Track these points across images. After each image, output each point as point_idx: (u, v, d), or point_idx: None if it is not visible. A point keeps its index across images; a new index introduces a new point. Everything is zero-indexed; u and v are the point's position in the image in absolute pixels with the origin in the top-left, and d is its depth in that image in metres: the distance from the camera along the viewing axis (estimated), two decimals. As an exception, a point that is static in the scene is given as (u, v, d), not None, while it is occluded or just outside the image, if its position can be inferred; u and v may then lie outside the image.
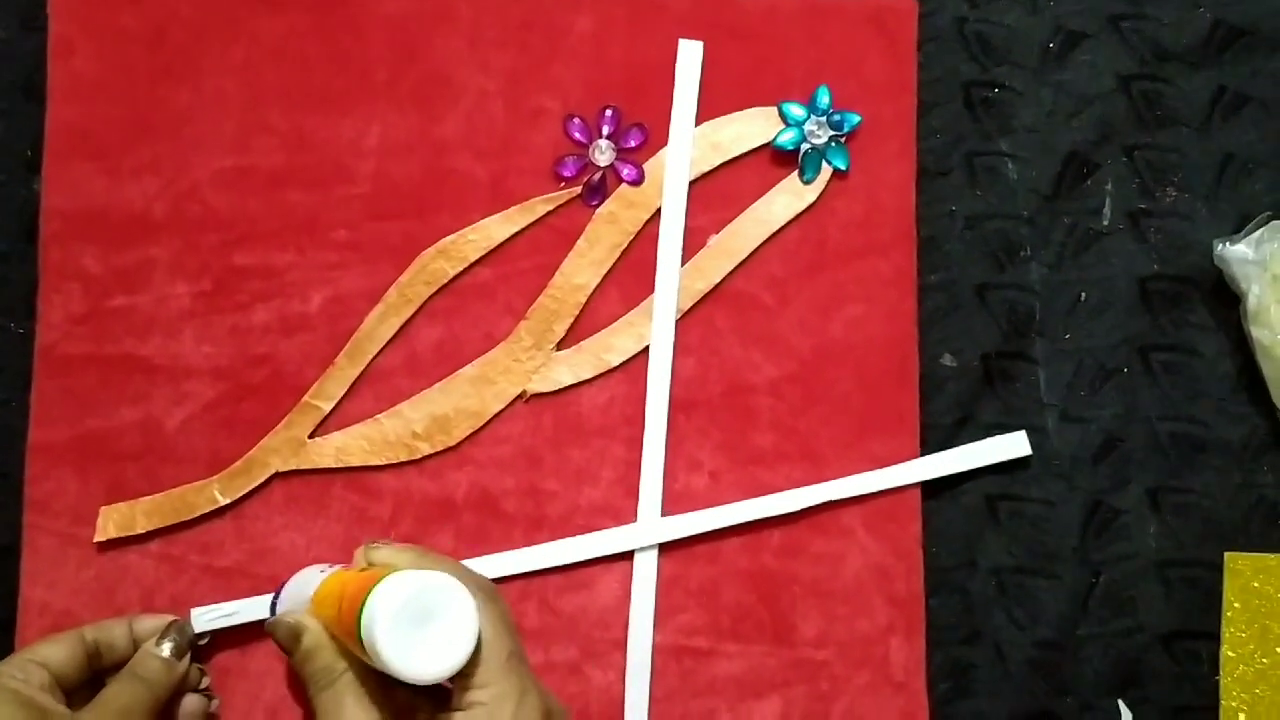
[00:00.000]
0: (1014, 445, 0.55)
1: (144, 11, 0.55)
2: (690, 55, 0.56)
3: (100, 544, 0.53)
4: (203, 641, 0.51)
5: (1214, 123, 0.57)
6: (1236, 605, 0.55)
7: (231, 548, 0.53)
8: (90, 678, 0.48)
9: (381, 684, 0.43)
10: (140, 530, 0.53)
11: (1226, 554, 0.55)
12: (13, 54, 0.55)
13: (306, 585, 0.47)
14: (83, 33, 0.55)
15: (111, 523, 0.53)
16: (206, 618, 0.50)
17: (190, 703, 0.49)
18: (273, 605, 0.50)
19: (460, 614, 0.41)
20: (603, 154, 0.55)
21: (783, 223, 0.56)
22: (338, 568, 0.48)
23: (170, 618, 0.50)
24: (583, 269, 0.55)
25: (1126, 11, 0.58)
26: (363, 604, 0.40)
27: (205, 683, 0.50)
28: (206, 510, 0.53)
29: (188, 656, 0.49)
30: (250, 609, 0.51)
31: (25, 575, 0.52)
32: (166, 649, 0.48)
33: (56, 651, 0.47)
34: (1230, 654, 0.54)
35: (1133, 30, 0.57)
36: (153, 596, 0.53)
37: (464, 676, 0.41)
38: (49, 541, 0.53)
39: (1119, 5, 0.58)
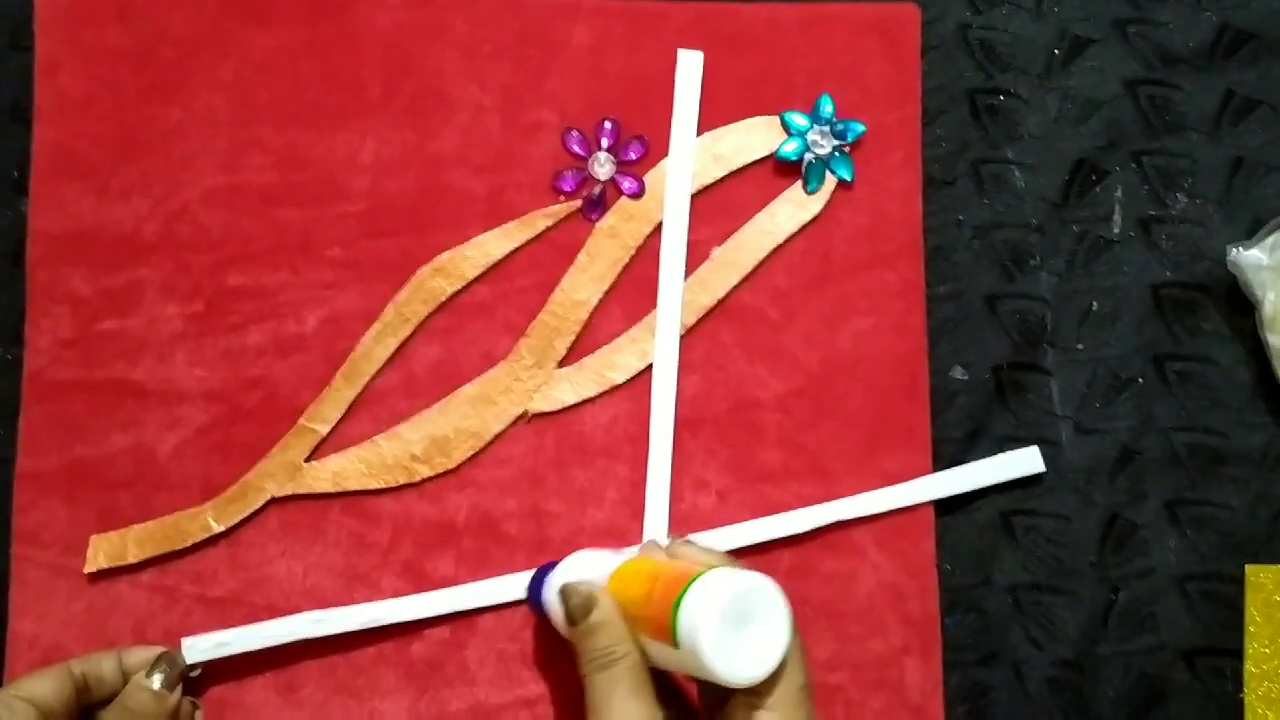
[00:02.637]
0: (1027, 462, 0.54)
1: (132, 29, 0.54)
2: (690, 66, 0.55)
3: (91, 575, 0.51)
4: (194, 673, 0.49)
5: (1223, 127, 0.56)
6: (1259, 620, 0.53)
7: (226, 576, 0.52)
8: (79, 713, 0.47)
9: (650, 682, 0.42)
10: (132, 560, 0.51)
11: (1248, 567, 0.54)
12: (-1, 74, 0.54)
13: (591, 567, 0.46)
14: (70, 51, 0.54)
15: (102, 552, 0.51)
16: (198, 648, 0.49)
17: (183, 736, 0.48)
18: (534, 583, 0.49)
19: (776, 622, 0.40)
20: (602, 167, 0.54)
21: (787, 234, 0.55)
22: (626, 554, 0.46)
23: (161, 649, 0.48)
24: (584, 284, 0.54)
25: (1132, 16, 0.57)
26: (681, 595, 0.39)
27: (198, 716, 0.49)
28: (200, 538, 0.52)
29: (179, 689, 0.48)
30: (243, 638, 0.50)
31: (13, 608, 0.51)
32: (157, 681, 0.47)
33: (43, 686, 0.45)
34: (1254, 670, 0.53)
35: (1139, 35, 0.57)
36: (145, 628, 0.51)
37: (753, 694, 0.40)
38: (38, 573, 0.51)
39: (1124, 10, 0.57)
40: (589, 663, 0.42)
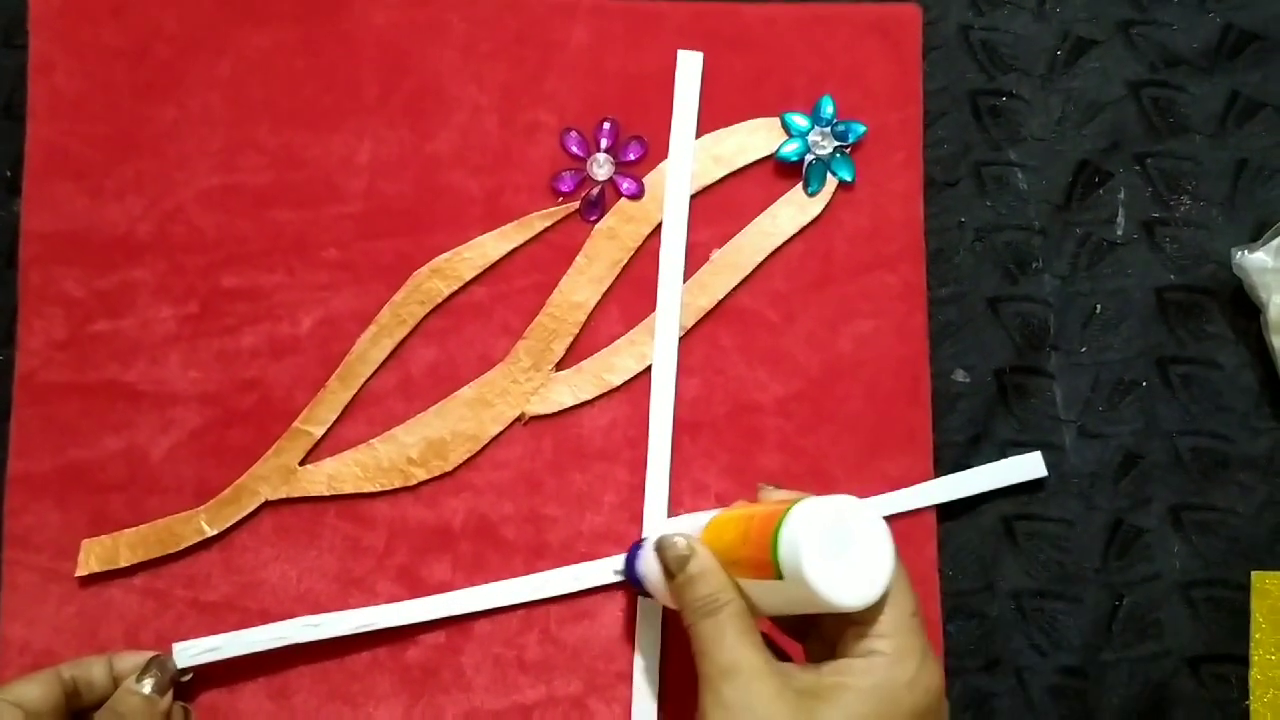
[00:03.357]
0: (1030, 467, 0.53)
1: (127, 27, 0.54)
2: (690, 66, 0.54)
3: (82, 579, 0.51)
4: (186, 678, 0.48)
5: (1227, 129, 0.56)
6: (1265, 627, 0.53)
7: (219, 581, 0.51)
8: (69, 718, 0.46)
9: (756, 628, 0.41)
10: (124, 564, 0.51)
11: (1253, 573, 0.53)
12: (-8, 73, 0.54)
13: (681, 527, 0.45)
14: (64, 50, 0.53)
15: (93, 556, 0.51)
16: (190, 653, 0.48)
17: (174, 742, 0.47)
18: (629, 561, 0.49)
19: (877, 544, 0.39)
20: (601, 168, 0.54)
21: (787, 236, 0.54)
22: (714, 512, 0.45)
23: (152, 654, 0.48)
24: (582, 286, 0.53)
25: (1135, 17, 0.56)
26: (779, 524, 0.39)
27: (190, 722, 0.48)
28: (193, 542, 0.51)
29: (170, 693, 0.47)
30: (236, 643, 0.49)
31: (4, 612, 0.50)
32: (148, 686, 0.46)
33: (33, 691, 0.45)
34: (1259, 677, 0.52)
35: (1142, 36, 0.56)
36: (137, 633, 0.50)
37: (862, 623, 0.39)
38: (29, 577, 0.51)
39: (1127, 11, 0.56)
40: (693, 612, 0.41)
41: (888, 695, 0.38)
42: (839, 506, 0.39)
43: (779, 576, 0.39)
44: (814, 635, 0.43)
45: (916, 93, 0.55)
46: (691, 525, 0.45)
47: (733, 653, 0.40)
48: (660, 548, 0.43)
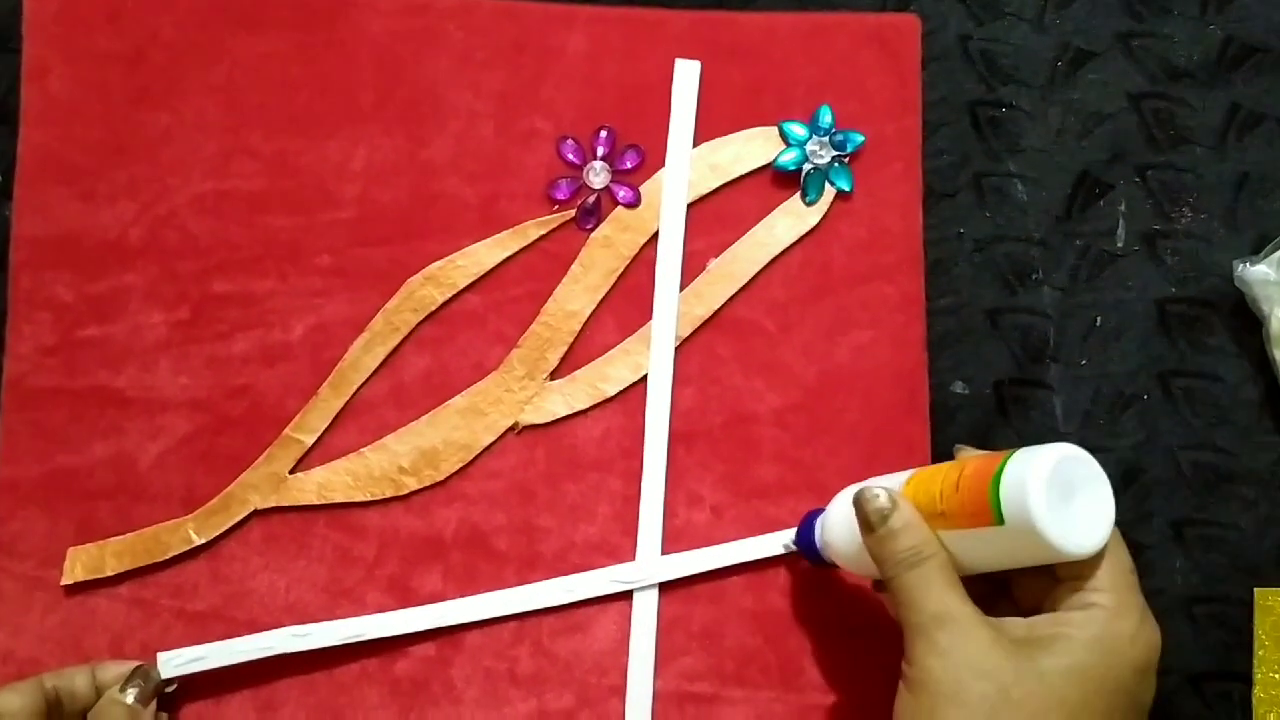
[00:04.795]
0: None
1: (122, 32, 0.53)
2: (687, 75, 0.54)
3: (68, 587, 0.50)
4: (170, 688, 0.48)
5: (1228, 141, 0.55)
6: (1268, 644, 0.52)
7: (207, 590, 0.50)
8: (51, 729, 0.45)
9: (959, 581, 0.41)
10: (110, 572, 0.50)
11: (1256, 590, 0.52)
12: (-14, 76, 0.54)
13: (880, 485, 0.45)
14: (58, 54, 0.53)
15: (79, 564, 0.50)
16: (174, 663, 0.48)
17: (157, 753, 0.46)
18: (804, 530, 0.48)
19: (1100, 493, 0.39)
20: (597, 176, 0.54)
21: (785, 246, 0.54)
22: (909, 472, 0.45)
23: (136, 663, 0.47)
24: (577, 295, 0.53)
25: (1135, 29, 0.56)
26: (1000, 470, 0.39)
27: (174, 733, 0.48)
28: (180, 551, 0.50)
29: (153, 704, 0.46)
30: (222, 653, 0.48)
31: (-12, 621, 0.50)
32: (131, 696, 0.45)
33: (13, 700, 0.44)
34: (1262, 695, 0.52)
35: (1142, 48, 0.56)
36: (122, 643, 0.50)
37: (1078, 577, 0.40)
38: (13, 585, 0.50)
39: (1128, 22, 0.56)
40: (896, 564, 0.41)
41: (1111, 647, 0.39)
42: (1064, 453, 0.39)
43: (999, 523, 0.39)
44: (1027, 581, 0.42)
45: (915, 103, 0.55)
46: (886, 484, 0.44)
47: (943, 602, 0.40)
48: (860, 501, 0.43)
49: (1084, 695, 0.38)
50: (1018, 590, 0.43)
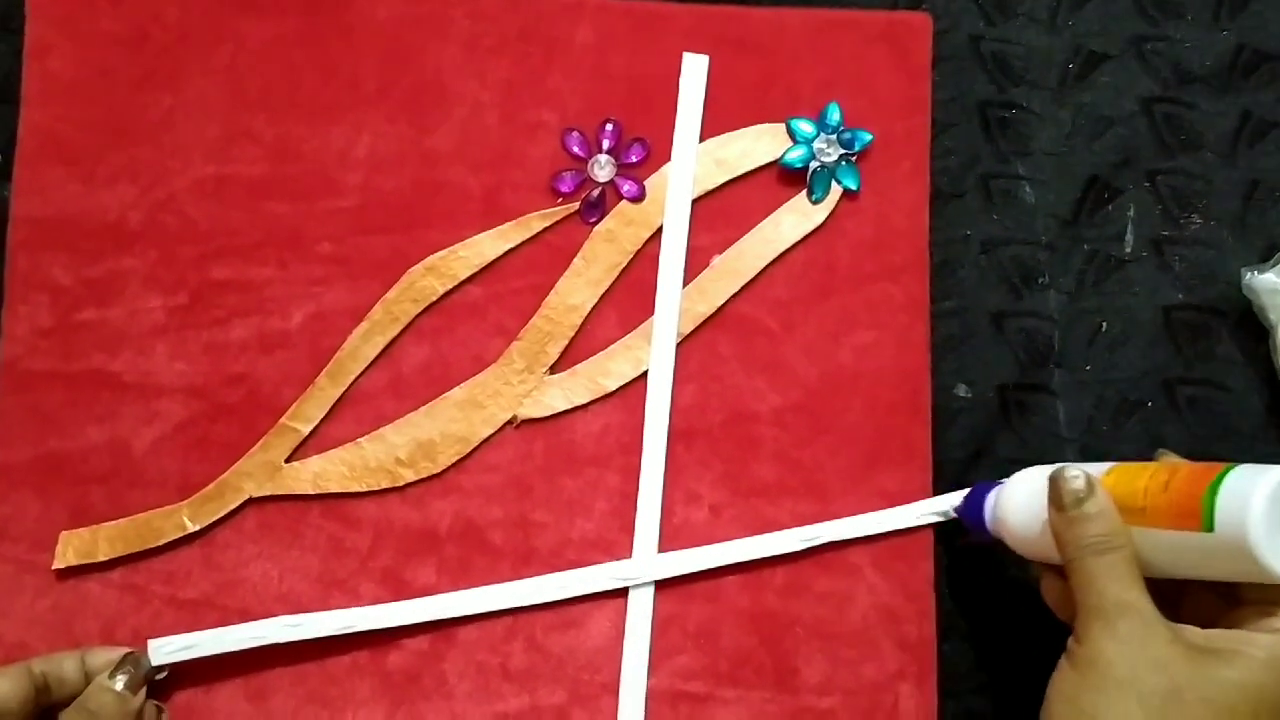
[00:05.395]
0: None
1: (125, 13, 0.53)
2: (695, 69, 0.54)
3: (59, 572, 0.49)
4: (161, 675, 0.47)
5: (1239, 148, 0.55)
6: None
7: (199, 578, 0.50)
8: (38, 714, 0.45)
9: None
10: (102, 558, 0.49)
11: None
12: (-13, 55, 0.53)
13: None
14: (61, 34, 0.52)
15: (71, 549, 0.49)
16: (165, 650, 0.47)
17: (146, 741, 0.46)
18: (973, 501, 0.48)
19: None
20: (602, 169, 0.53)
21: (790, 244, 0.53)
22: (1109, 465, 0.45)
23: (126, 650, 0.46)
24: (579, 289, 0.52)
25: (1148, 33, 0.56)
26: (1220, 479, 0.39)
27: (163, 721, 0.47)
28: (174, 537, 0.50)
29: (143, 691, 0.46)
30: (213, 641, 0.48)
31: (-23, 605, 0.49)
32: (120, 682, 0.45)
33: (1, 686, 0.44)
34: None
35: (1155, 52, 0.55)
36: (113, 629, 0.49)
37: (1266, 601, 0.40)
38: (4, 569, 0.50)
39: (1140, 26, 0.56)
40: (1082, 548, 0.42)
41: None
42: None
43: (1207, 529, 0.39)
44: (1209, 595, 0.43)
45: (925, 102, 0.54)
46: (1087, 470, 0.44)
47: (1127, 592, 0.40)
48: (1058, 479, 0.43)
49: (1254, 713, 0.39)
50: (1189, 605, 0.43)
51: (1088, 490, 0.42)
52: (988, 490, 0.48)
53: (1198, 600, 0.43)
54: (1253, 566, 0.38)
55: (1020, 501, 0.46)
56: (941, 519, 0.51)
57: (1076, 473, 0.43)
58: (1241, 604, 0.41)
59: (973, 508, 0.48)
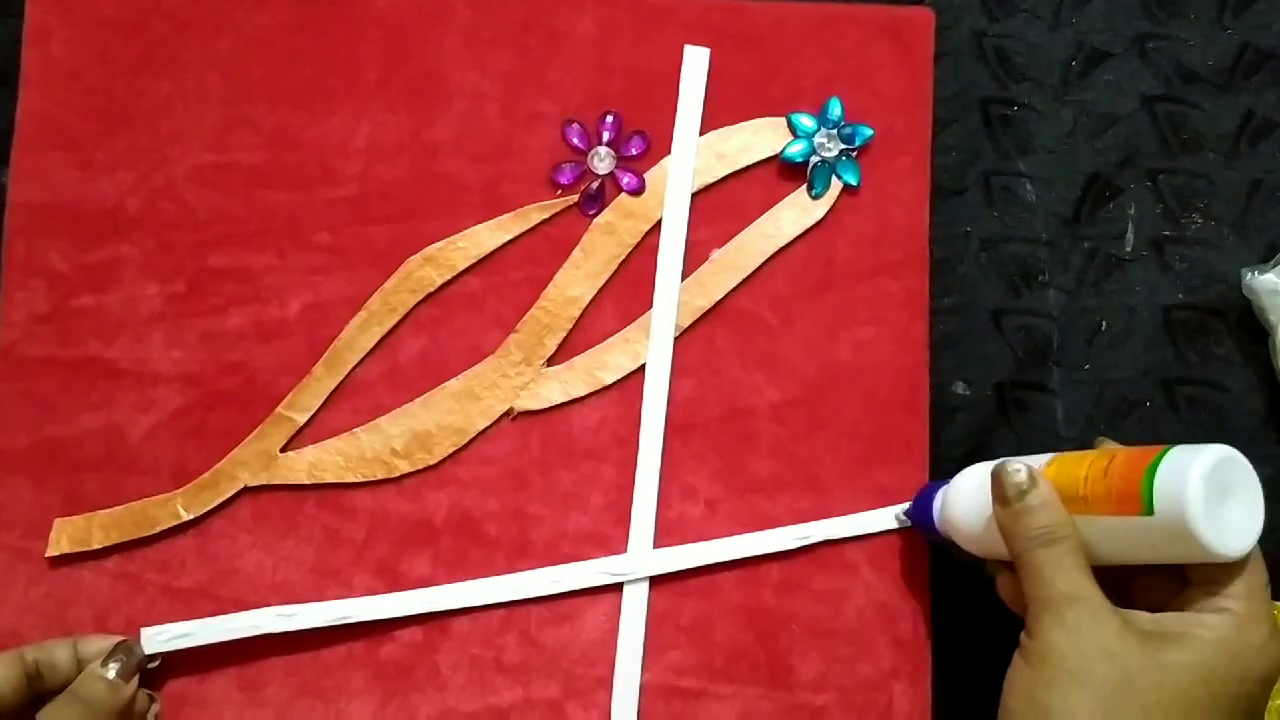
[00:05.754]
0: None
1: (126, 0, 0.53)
2: (696, 62, 0.53)
3: (52, 559, 0.49)
4: (153, 664, 0.47)
5: (1241, 148, 0.55)
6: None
7: (193, 567, 0.50)
8: (30, 701, 0.45)
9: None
10: (96, 545, 0.49)
11: (1254, 602, 0.52)
12: (-14, 40, 0.53)
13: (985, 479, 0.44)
14: (61, 19, 0.52)
15: (65, 536, 0.49)
16: (158, 638, 0.47)
17: (138, 730, 0.46)
18: (921, 503, 0.48)
19: (1252, 498, 0.39)
20: (602, 161, 0.53)
21: (789, 239, 0.53)
22: (1049, 456, 0.45)
23: (118, 638, 0.46)
24: (577, 281, 0.52)
25: (1152, 31, 0.55)
26: (1157, 461, 0.39)
27: (155, 710, 0.47)
28: (168, 526, 0.50)
29: (135, 680, 0.46)
30: (206, 631, 0.48)
31: (-30, 591, 0.49)
32: (112, 670, 0.45)
33: (-8, 672, 0.43)
34: (1277, 704, 0.51)
35: (1158, 51, 0.55)
36: (106, 617, 0.49)
37: (1213, 581, 0.40)
38: (-2, 555, 0.50)
39: (1144, 24, 0.55)
40: (1028, 540, 0.42)
41: (1238, 653, 0.39)
42: (1225, 454, 0.39)
43: (1147, 513, 0.39)
44: (1157, 578, 0.43)
45: (926, 98, 0.54)
46: (1027, 462, 0.44)
47: (1074, 582, 0.40)
48: (1000, 474, 0.43)
49: (1207, 695, 0.39)
50: (1139, 590, 0.43)
51: (1029, 482, 0.42)
52: (935, 491, 0.48)
53: (1148, 585, 0.43)
54: (1194, 546, 0.38)
55: (966, 499, 0.46)
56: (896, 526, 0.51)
57: (1018, 466, 0.43)
58: (1188, 584, 0.41)
59: (922, 508, 0.48)
